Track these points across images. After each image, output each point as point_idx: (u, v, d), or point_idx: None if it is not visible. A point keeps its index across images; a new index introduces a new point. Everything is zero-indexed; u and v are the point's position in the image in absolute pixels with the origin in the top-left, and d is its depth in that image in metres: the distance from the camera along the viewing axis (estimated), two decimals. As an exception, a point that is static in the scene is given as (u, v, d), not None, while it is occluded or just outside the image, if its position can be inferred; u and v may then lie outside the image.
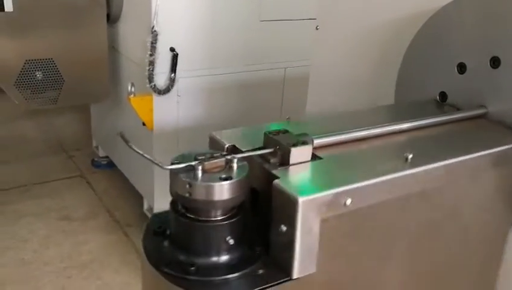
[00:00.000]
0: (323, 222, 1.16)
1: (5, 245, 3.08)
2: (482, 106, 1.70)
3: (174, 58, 2.77)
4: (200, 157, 1.14)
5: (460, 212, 1.50)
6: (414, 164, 1.31)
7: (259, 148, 1.29)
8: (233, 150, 1.33)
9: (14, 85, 2.96)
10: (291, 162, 1.25)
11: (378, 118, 1.65)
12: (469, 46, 1.73)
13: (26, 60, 2.95)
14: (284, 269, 1.16)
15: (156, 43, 2.71)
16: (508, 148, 1.49)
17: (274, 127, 1.36)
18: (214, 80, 2.98)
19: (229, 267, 1.14)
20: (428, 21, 1.84)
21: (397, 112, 1.91)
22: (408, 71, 1.97)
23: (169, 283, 1.10)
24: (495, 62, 1.64)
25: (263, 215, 1.23)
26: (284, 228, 1.14)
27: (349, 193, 1.18)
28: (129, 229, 3.28)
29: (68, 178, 4.01)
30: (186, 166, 1.12)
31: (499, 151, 1.47)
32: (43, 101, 3.11)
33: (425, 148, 1.47)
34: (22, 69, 2.95)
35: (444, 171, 1.36)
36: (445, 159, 1.35)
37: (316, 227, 1.14)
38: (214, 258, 1.14)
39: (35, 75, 3.00)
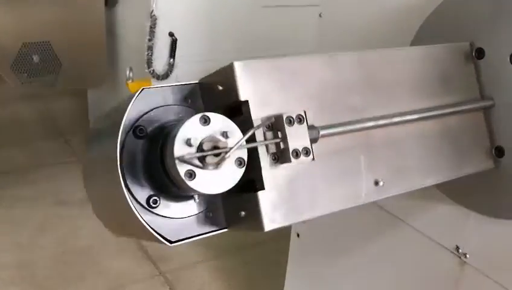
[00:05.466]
0: None
1: (1, 229, 3.07)
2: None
3: (173, 43, 2.73)
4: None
5: None
6: None
7: None
8: None
9: (11, 68, 2.93)
10: None
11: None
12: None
13: (23, 43, 2.91)
14: None
15: (154, 27, 2.67)
16: None
17: None
18: (213, 66, 2.93)
19: None
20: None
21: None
22: None
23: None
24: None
25: None
26: None
27: None
28: (126, 215, 3.27)
29: (64, 163, 3.99)
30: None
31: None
32: (40, 84, 3.08)
33: None
34: (19, 52, 2.91)
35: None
36: None
37: None
38: None
39: (32, 59, 2.96)
